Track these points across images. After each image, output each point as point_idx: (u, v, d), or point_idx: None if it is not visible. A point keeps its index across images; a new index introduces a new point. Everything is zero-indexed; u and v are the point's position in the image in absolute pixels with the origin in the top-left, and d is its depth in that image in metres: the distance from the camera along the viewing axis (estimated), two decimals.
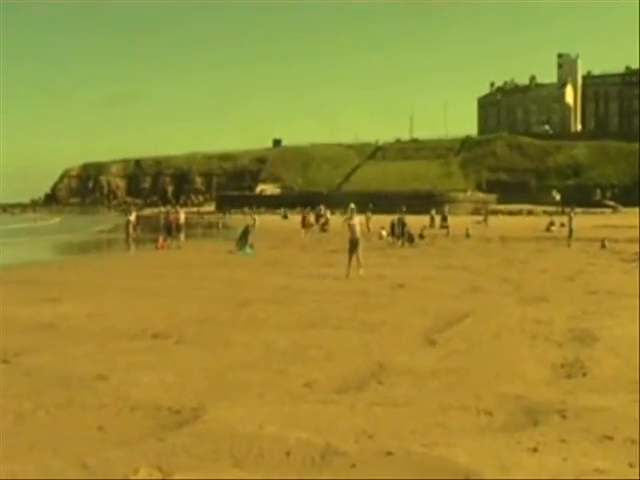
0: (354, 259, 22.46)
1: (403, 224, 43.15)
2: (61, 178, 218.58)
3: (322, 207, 72.59)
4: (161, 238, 40.03)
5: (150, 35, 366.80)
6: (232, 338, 11.91)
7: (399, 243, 40.95)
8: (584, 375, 9.19)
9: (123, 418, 7.55)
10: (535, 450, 6.21)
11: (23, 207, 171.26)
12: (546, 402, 7.79)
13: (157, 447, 6.55)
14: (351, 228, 23.00)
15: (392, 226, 45.20)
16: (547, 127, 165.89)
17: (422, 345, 11.24)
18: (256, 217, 37.80)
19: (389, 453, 6.17)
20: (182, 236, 41.94)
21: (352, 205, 23.98)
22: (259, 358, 10.37)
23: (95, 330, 12.81)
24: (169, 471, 5.93)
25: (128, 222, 41.23)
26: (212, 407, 7.73)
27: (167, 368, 9.70)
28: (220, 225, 71.98)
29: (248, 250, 34.14)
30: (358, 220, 23.66)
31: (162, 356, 10.57)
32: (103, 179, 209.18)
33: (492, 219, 75.28)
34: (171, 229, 43.04)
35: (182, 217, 43.33)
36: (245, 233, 36.06)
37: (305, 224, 59.88)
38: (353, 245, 22.65)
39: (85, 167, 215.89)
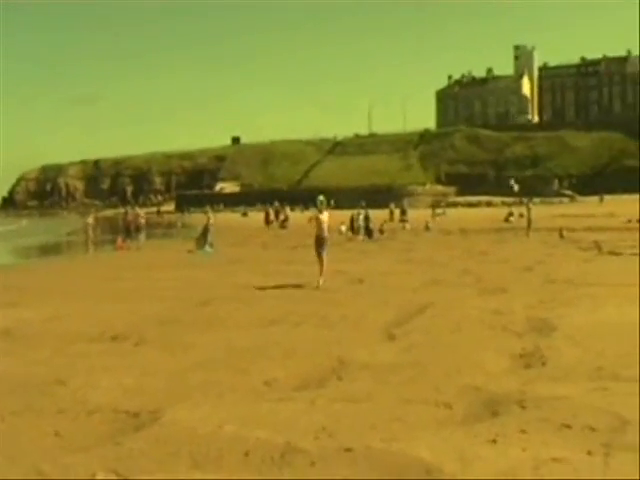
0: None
1: (367, 218, 43.27)
2: (19, 181, 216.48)
3: (276, 203, 72.40)
4: (120, 239, 39.76)
5: (108, 36, 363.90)
6: (192, 338, 11.82)
7: (360, 238, 41.02)
8: (543, 364, 9.21)
9: (80, 423, 7.44)
10: (494, 442, 6.21)
11: None
12: (505, 393, 7.80)
13: (114, 451, 6.47)
14: (318, 224, 19.65)
15: (352, 220, 45.26)
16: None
17: (382, 339, 11.23)
18: (211, 215, 37.48)
19: (349, 449, 6.13)
20: (142, 236, 41.65)
21: (321, 197, 20.33)
22: (219, 358, 10.29)
23: (53, 334, 12.64)
24: (126, 475, 5.87)
25: (87, 224, 41.00)
26: (171, 409, 7.65)
27: (126, 370, 9.60)
28: (179, 224, 71.60)
29: (208, 249, 33.98)
30: (327, 216, 19.87)
31: (121, 358, 10.46)
32: (61, 181, 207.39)
33: (451, 211, 75.72)
34: (130, 230, 42.78)
35: (141, 217, 43.07)
36: (204, 232, 35.89)
37: (268, 221, 59.89)
38: (319, 244, 19.37)
39: (43, 169, 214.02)
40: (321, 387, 8.43)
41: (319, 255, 19.28)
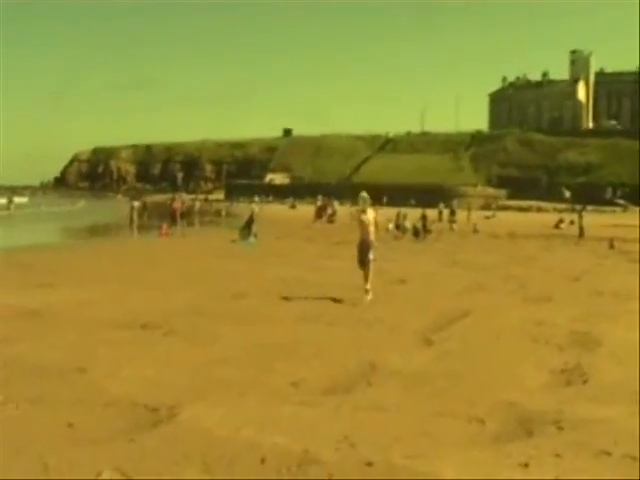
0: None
1: (423, 217, 42.89)
2: (71, 162, 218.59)
3: (320, 197, 72.00)
4: (165, 225, 39.66)
5: (164, 21, 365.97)
6: (222, 331, 11.52)
7: (406, 237, 40.59)
8: (584, 383, 8.74)
9: (95, 415, 7.17)
10: (526, 465, 5.81)
11: (33, 190, 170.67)
12: (542, 411, 7.38)
13: (126, 448, 6.19)
14: (362, 225, 15.99)
15: (397, 218, 44.83)
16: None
17: (418, 345, 10.81)
18: (255, 206, 37.24)
19: (369, 464, 5.77)
20: (184, 223, 41.56)
21: (364, 194, 16.29)
22: (247, 353, 9.98)
23: (82, 319, 12.44)
24: (133, 475, 5.57)
25: (132, 209, 40.97)
26: (190, 406, 7.36)
27: (150, 361, 9.34)
28: (224, 213, 71.45)
29: (251, 240, 33.74)
30: (372, 215, 16.15)
31: (147, 348, 10.20)
32: (113, 164, 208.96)
33: (501, 215, 74.81)
34: (175, 216, 42.73)
35: (186, 204, 43.00)
36: (249, 222, 35.68)
37: (320, 215, 59.53)
38: (363, 251, 15.81)
39: (95, 151, 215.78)
40: (348, 392, 8.06)
41: (362, 263, 15.73)
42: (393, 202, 74.27)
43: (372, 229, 15.88)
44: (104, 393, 7.83)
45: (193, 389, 8.06)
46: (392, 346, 10.66)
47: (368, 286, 15.49)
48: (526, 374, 9.04)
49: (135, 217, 40.90)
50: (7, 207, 74.40)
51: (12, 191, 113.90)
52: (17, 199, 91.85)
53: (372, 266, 15.72)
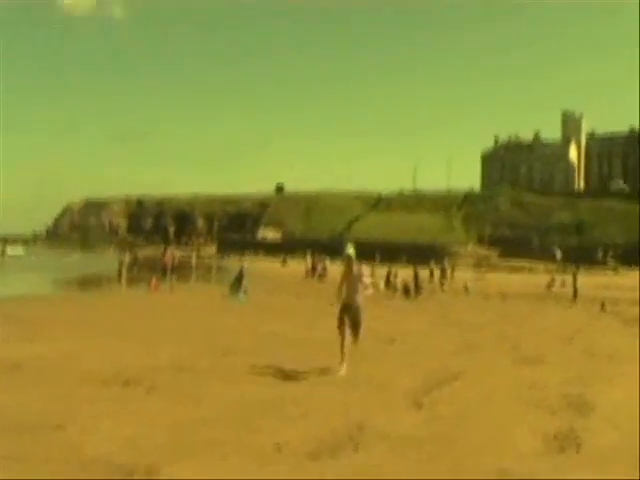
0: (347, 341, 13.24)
1: (416, 276, 42.72)
2: (63, 213, 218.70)
3: (309, 253, 71.67)
4: (154, 279, 39.31)
5: (156, 75, 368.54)
6: (207, 389, 11.22)
7: (396, 295, 40.38)
8: (578, 448, 8.46)
9: (71, 475, 6.87)
10: None
11: (24, 240, 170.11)
12: (535, 479, 7.10)
13: None
14: (346, 282, 13.42)
15: (387, 276, 44.67)
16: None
17: (407, 407, 10.51)
18: (245, 263, 37.06)
19: None
20: (174, 277, 41.26)
21: (350, 249, 13.66)
22: (231, 413, 9.68)
23: (64, 373, 12.15)
24: None
25: (121, 262, 40.73)
26: (168, 467, 7.07)
27: (130, 420, 9.04)
28: (217, 268, 71.15)
29: (241, 295, 33.44)
30: (360, 271, 13.61)
31: (128, 406, 9.89)
32: (104, 216, 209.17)
33: (492, 275, 74.61)
34: (166, 270, 42.38)
35: (176, 259, 42.74)
36: (239, 278, 35.39)
37: (312, 272, 59.22)
38: (348, 313, 13.29)
39: (87, 203, 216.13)
40: (334, 457, 7.75)
41: (341, 331, 13.22)
42: (384, 260, 74.17)
43: (359, 288, 13.31)
44: (80, 452, 7.55)
45: (173, 450, 7.77)
46: (380, 407, 10.37)
47: (344, 365, 12.97)
48: (518, 439, 8.76)
49: (124, 270, 40.66)
50: (1, 256, 74.11)
51: (4, 241, 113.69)
52: (12, 250, 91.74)
53: (356, 341, 13.31)
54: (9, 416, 8.94)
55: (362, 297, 13.41)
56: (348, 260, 13.51)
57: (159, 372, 12.47)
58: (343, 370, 12.90)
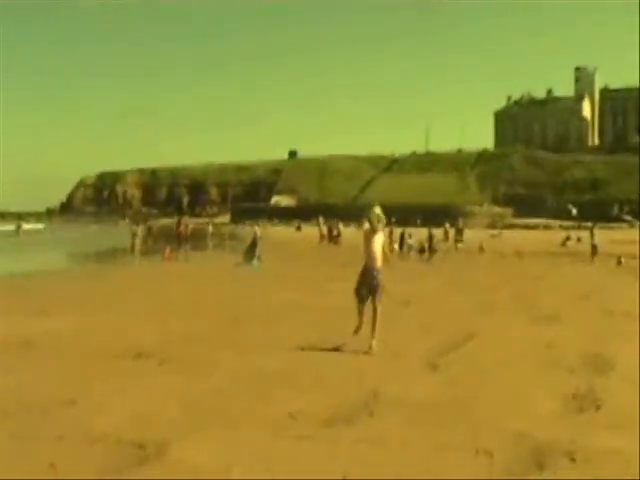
0: (369, 310, 12.38)
1: (430, 237, 42.58)
2: (77, 187, 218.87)
3: (321, 218, 71.52)
4: (168, 249, 39.24)
5: (169, 47, 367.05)
6: (220, 359, 11.10)
7: (410, 256, 40.27)
8: (597, 409, 8.29)
9: (80, 453, 6.75)
10: None
11: (38, 216, 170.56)
12: (554, 442, 6.93)
13: None
14: (367, 248, 12.41)
15: (401, 238, 44.51)
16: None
17: (422, 371, 10.36)
18: (257, 229, 36.82)
19: None
20: (189, 247, 41.25)
21: (377, 210, 12.63)
22: (244, 383, 9.55)
23: (77, 348, 12.04)
24: None
25: (134, 233, 40.62)
26: (180, 442, 6.93)
27: (142, 393, 8.91)
28: (231, 236, 71.16)
29: (255, 263, 33.32)
30: (382, 237, 12.61)
31: (140, 379, 9.76)
32: (119, 189, 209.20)
33: (508, 233, 74.33)
34: (180, 240, 42.36)
35: (189, 229, 42.67)
36: (253, 245, 35.24)
37: (330, 237, 59.18)
38: (366, 281, 12.39)
39: (101, 176, 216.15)
40: (349, 424, 7.60)
41: (361, 301, 12.46)
42: (399, 222, 73.95)
43: (379, 254, 12.32)
44: (90, 429, 7.41)
45: (184, 423, 7.64)
46: (396, 372, 10.23)
47: (376, 327, 12.06)
48: (536, 401, 8.60)
49: (137, 242, 40.56)
50: (16, 233, 74.21)
51: (19, 217, 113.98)
52: (31, 225, 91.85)
53: (379, 303, 12.21)
54: (18, 395, 8.82)
55: (380, 263, 12.32)
56: (373, 222, 12.30)
57: (172, 344, 12.36)
58: (374, 343, 11.85)
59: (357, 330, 12.41)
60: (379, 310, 12.14)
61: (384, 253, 12.45)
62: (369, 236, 12.31)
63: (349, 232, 59.80)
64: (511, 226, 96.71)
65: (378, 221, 12.33)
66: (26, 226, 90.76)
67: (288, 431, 7.35)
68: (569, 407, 8.38)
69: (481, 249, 47.68)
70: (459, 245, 51.45)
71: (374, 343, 11.83)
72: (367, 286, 12.27)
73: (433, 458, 6.50)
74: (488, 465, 6.35)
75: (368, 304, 12.35)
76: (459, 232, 56.50)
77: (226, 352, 11.67)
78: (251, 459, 6.43)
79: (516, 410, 8.19)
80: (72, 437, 7.14)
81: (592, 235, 42.14)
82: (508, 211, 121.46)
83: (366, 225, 12.38)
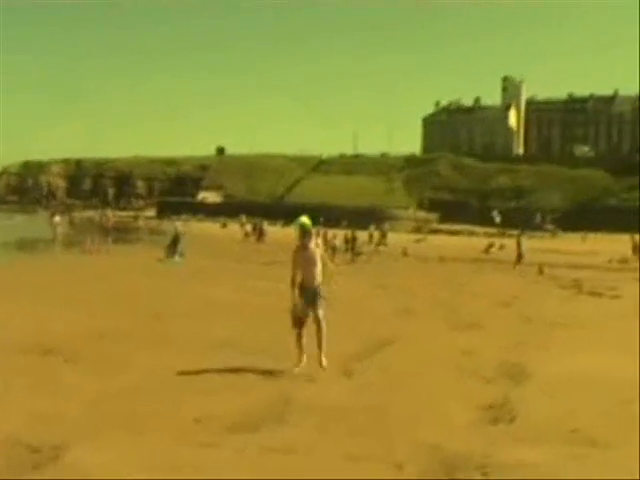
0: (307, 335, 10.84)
1: (354, 239, 42.53)
2: (0, 175, 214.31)
3: (243, 217, 71.24)
4: (89, 241, 38.48)
5: (96, 33, 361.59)
6: (131, 357, 10.75)
7: (348, 258, 40.27)
8: (512, 420, 8.13)
9: None
10: None
11: None
12: (467, 454, 6.75)
13: None
14: (303, 265, 10.72)
15: (324, 239, 44.44)
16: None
17: (337, 375, 10.12)
18: (178, 224, 36.36)
19: None
20: (110, 239, 40.54)
21: (304, 219, 10.96)
22: (154, 384, 9.23)
23: None
24: None
25: (54, 224, 39.76)
26: (78, 446, 6.60)
27: (43, 393, 8.53)
28: (155, 231, 70.30)
29: (177, 258, 32.82)
30: (317, 250, 10.87)
31: (45, 377, 9.38)
32: (43, 179, 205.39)
33: (432, 238, 74.78)
34: (102, 233, 41.64)
35: (111, 221, 41.97)
36: (175, 241, 34.73)
37: (256, 234, 59.14)
38: (307, 299, 10.71)
39: (25, 165, 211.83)
40: (257, 431, 7.33)
41: (299, 324, 10.74)
42: (325, 224, 73.89)
43: (317, 267, 10.66)
44: None
45: (86, 425, 7.30)
46: (309, 376, 9.98)
47: (323, 358, 10.57)
48: (451, 410, 8.42)
49: (57, 232, 39.70)
50: None
51: None
52: None
53: (324, 322, 10.75)
54: None
55: (319, 278, 10.71)
56: (303, 233, 10.70)
57: (82, 339, 11.98)
58: (324, 362, 10.53)
59: (298, 364, 10.46)
60: (324, 323, 10.72)
61: (325, 265, 10.81)
62: (301, 252, 10.61)
63: (274, 230, 59.56)
64: (436, 231, 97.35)
65: (305, 232, 10.67)
66: None
67: (193, 437, 7.05)
68: (484, 417, 8.22)
69: (405, 253, 47.76)
70: (381, 248, 51.48)
71: (324, 359, 10.50)
72: (308, 309, 10.60)
73: (342, 468, 6.26)
74: (397, 477, 6.14)
75: (309, 323, 10.72)
76: (383, 235, 56.62)
77: (138, 349, 11.34)
78: (152, 466, 6.11)
79: (430, 420, 8.00)
80: None
81: (519, 243, 42.29)
82: (433, 216, 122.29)
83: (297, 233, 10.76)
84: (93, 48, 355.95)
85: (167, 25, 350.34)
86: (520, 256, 40.70)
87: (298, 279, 10.61)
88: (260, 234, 58.68)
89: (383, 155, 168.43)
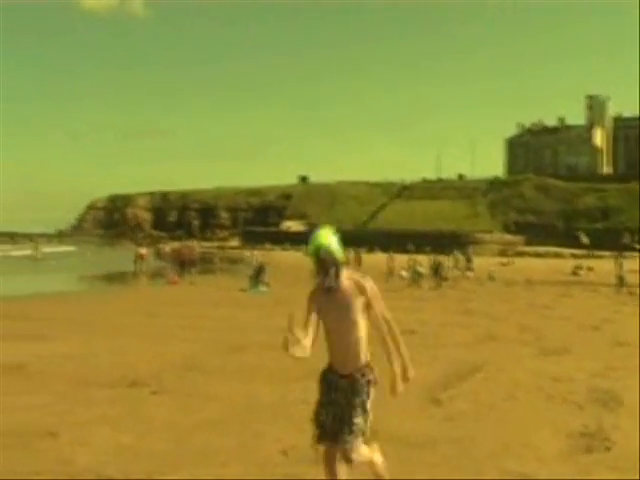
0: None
1: (439, 264, 42.16)
2: (88, 209, 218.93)
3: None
4: (172, 273, 38.95)
5: (178, 72, 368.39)
6: (214, 389, 10.74)
7: (424, 285, 39.85)
8: (607, 450, 7.84)
9: None
10: None
11: (49, 237, 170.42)
12: None
13: None
14: (330, 324, 5.78)
15: (410, 265, 44.08)
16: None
17: (423, 405, 9.94)
18: (256, 253, 36.64)
19: None
20: (194, 270, 40.92)
21: (321, 239, 5.71)
22: (238, 415, 9.17)
23: (68, 374, 11.70)
24: None
25: (137, 255, 40.33)
26: (162, 478, 6.55)
27: (129, 425, 8.54)
28: (239, 261, 70.85)
29: (262, 288, 32.97)
30: (360, 298, 5.60)
31: (130, 409, 9.40)
32: (129, 211, 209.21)
33: (518, 261, 73.77)
34: (184, 263, 42.05)
35: (195, 252, 42.39)
36: (259, 270, 34.93)
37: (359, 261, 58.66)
38: (335, 396, 5.96)
39: (112, 199, 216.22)
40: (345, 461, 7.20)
41: (325, 436, 5.96)
42: (408, 249, 73.50)
43: (362, 329, 5.68)
44: (70, 464, 7.06)
45: (171, 459, 7.27)
46: (396, 406, 9.80)
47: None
48: (542, 439, 8.16)
49: (142, 264, 40.30)
50: (35, 254, 73.00)
51: (30, 239, 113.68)
52: (53, 248, 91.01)
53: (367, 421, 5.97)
54: (2, 422, 8.46)
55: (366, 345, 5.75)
56: (321, 263, 5.66)
57: (166, 372, 12.02)
58: None
59: None
60: (357, 457, 5.82)
61: (379, 325, 5.72)
62: (322, 299, 5.68)
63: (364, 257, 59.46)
64: (521, 254, 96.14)
65: (326, 261, 5.59)
66: (47, 249, 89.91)
67: (278, 469, 6.96)
68: (577, 446, 7.94)
69: (491, 277, 47.21)
70: (469, 273, 50.89)
71: None
72: (333, 408, 5.91)
73: None
74: None
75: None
76: (469, 260, 56.04)
77: (221, 381, 11.34)
78: None
79: (520, 449, 7.76)
80: (51, 472, 6.80)
81: (619, 265, 40.61)
82: (519, 239, 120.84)
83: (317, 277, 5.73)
84: (176, 82, 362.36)
85: (249, 59, 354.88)
86: (621, 279, 39.54)
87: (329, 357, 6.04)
88: (358, 261, 58.32)
89: (463, 178, 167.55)
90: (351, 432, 5.68)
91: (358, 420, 5.73)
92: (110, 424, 8.54)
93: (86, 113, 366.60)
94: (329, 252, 5.62)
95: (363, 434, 5.80)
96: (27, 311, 21.52)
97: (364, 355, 5.75)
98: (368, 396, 5.81)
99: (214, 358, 13.59)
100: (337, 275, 5.56)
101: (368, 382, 5.79)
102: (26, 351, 13.79)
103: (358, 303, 5.58)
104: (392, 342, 5.75)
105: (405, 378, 5.95)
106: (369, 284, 5.65)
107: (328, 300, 5.63)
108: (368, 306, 5.62)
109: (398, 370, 5.84)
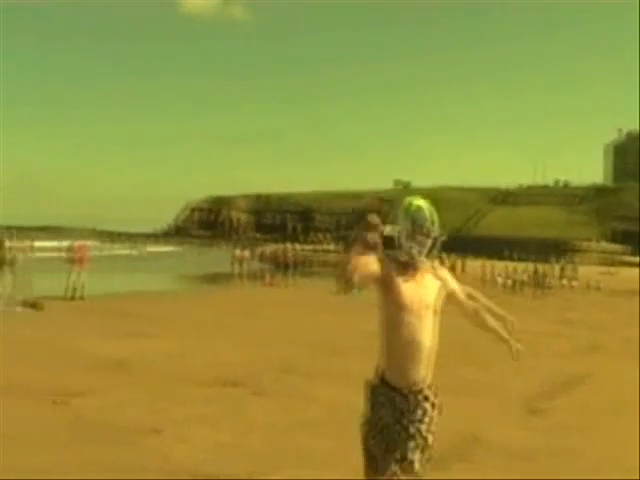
0: None
1: (536, 272, 41.62)
2: (191, 211, 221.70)
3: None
4: (268, 275, 39.31)
5: (278, 80, 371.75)
6: (313, 392, 10.75)
7: (525, 292, 39.37)
8: None
9: None
10: None
11: (147, 237, 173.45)
12: None
13: None
14: (403, 317, 4.34)
15: (507, 273, 43.49)
16: None
17: (522, 415, 9.75)
18: None
19: None
20: (290, 273, 41.16)
21: (420, 202, 4.63)
22: (337, 418, 9.12)
23: (167, 372, 11.86)
24: None
25: (235, 257, 40.75)
26: (260, 478, 6.56)
27: (228, 424, 8.59)
28: (328, 264, 71.01)
29: (355, 291, 32.85)
30: (451, 284, 4.61)
31: (229, 409, 9.46)
32: (229, 213, 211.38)
33: (622, 271, 72.05)
34: (280, 266, 42.36)
35: (290, 255, 42.65)
36: None
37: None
38: (396, 416, 4.36)
39: (212, 200, 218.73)
40: (443, 469, 7.09)
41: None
42: (508, 256, 72.56)
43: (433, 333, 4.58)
44: (170, 461, 7.12)
45: (269, 459, 7.28)
46: (495, 415, 9.65)
47: None
48: None
49: (238, 266, 40.77)
50: (138, 253, 74.42)
51: (128, 238, 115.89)
52: (155, 248, 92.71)
53: None
54: (104, 419, 8.61)
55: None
56: (421, 232, 4.45)
57: (264, 373, 12.08)
58: None
59: None
60: None
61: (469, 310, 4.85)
62: (400, 278, 4.42)
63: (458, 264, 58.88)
64: (624, 264, 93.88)
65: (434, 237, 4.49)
66: (150, 249, 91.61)
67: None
68: None
69: (595, 287, 46.27)
70: (574, 282, 49.71)
71: None
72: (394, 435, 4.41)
73: None
74: None
75: None
76: (574, 269, 54.99)
77: (321, 384, 11.36)
78: None
79: (626, 463, 7.55)
80: (151, 468, 6.87)
81: None
82: (623, 248, 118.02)
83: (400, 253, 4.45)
84: (268, 92, 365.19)
85: (347, 67, 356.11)
86: None
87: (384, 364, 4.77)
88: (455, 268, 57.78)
89: (566, 185, 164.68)
90: (417, 452, 4.39)
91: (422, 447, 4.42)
92: (210, 423, 8.61)
93: (189, 118, 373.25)
94: (432, 219, 4.46)
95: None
96: (128, 308, 21.91)
97: (429, 367, 4.52)
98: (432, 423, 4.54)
99: (314, 360, 13.65)
100: (430, 250, 4.37)
101: (433, 405, 4.62)
102: (126, 348, 14.04)
103: (439, 298, 4.43)
104: (488, 312, 4.81)
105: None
106: (447, 273, 4.64)
107: (405, 280, 4.30)
108: (450, 297, 4.57)
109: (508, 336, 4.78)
